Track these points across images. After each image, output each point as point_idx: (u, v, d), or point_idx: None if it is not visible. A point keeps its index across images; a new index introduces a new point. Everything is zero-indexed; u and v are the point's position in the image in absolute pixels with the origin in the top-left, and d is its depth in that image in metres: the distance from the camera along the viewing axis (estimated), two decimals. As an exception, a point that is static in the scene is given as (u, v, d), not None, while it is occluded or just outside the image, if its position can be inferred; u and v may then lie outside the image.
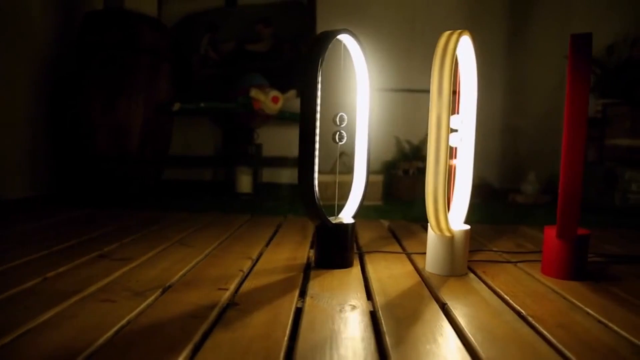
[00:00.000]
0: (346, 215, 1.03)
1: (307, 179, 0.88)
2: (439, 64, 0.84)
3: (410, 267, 1.00)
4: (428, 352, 0.60)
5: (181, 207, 1.79)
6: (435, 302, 0.78)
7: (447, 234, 0.92)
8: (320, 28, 2.40)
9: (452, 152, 0.99)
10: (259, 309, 0.73)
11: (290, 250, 1.12)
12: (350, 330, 0.65)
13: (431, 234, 0.95)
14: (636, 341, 0.65)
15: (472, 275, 0.95)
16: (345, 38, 0.98)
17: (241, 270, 0.94)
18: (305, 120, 0.87)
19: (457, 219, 1.00)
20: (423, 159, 2.33)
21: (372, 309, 0.75)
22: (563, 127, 0.85)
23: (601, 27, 2.22)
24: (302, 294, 0.81)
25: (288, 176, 2.19)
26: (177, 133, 2.18)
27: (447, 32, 0.87)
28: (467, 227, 0.96)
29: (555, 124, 2.57)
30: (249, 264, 1.00)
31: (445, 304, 0.78)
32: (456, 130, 0.96)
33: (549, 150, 2.45)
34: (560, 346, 0.62)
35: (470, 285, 0.88)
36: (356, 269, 0.97)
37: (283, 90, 2.03)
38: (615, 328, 0.69)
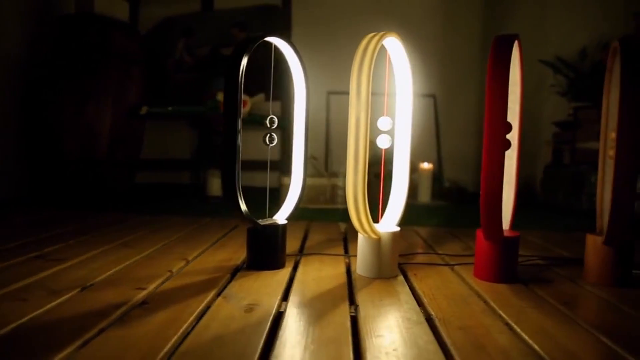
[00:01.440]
0: (280, 217, 1.03)
1: (230, 182, 0.89)
2: (358, 65, 0.84)
3: (343, 270, 1.00)
4: (312, 352, 0.60)
5: (145, 210, 1.80)
6: (347, 304, 0.78)
7: (373, 235, 0.91)
8: (296, 32, 2.41)
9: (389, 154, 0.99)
10: (165, 308, 0.73)
11: (230, 252, 1.13)
12: (245, 330, 0.65)
13: (360, 236, 0.95)
14: (534, 344, 0.64)
15: (401, 277, 0.95)
16: (277, 41, 0.98)
17: (170, 271, 0.95)
18: (227, 124, 0.88)
19: (389, 221, 1.00)
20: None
21: (282, 310, 0.76)
22: (484, 130, 0.85)
23: (575, 31, 2.21)
24: (219, 295, 0.81)
25: (261, 179, 2.18)
26: (154, 137, 2.20)
27: (370, 35, 0.88)
28: (397, 229, 0.96)
29: (531, 127, 2.56)
30: (181, 264, 1.00)
31: (357, 305, 0.78)
32: (386, 132, 0.95)
33: (524, 153, 2.45)
34: (451, 348, 0.62)
35: (392, 287, 0.88)
36: (285, 271, 0.97)
37: (253, 93, 2.05)
38: (519, 331, 0.68)
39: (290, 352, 0.60)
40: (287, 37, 0.99)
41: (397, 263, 0.97)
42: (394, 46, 0.96)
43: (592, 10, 2.22)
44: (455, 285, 0.91)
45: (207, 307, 0.75)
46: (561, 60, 2.11)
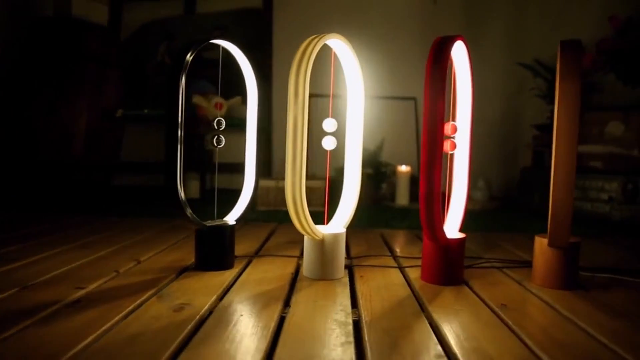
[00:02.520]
0: (230, 219, 1.04)
1: (173, 184, 0.89)
2: (295, 67, 0.85)
3: (291, 271, 1.00)
4: (220, 351, 0.60)
5: (119, 212, 1.81)
6: (278, 304, 0.78)
7: (315, 236, 0.92)
8: (277, 35, 2.42)
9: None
10: (95, 307, 0.74)
11: (185, 253, 1.13)
12: (166, 329, 0.65)
13: (306, 237, 0.95)
14: (453, 346, 0.64)
15: (346, 279, 0.95)
16: (224, 44, 0.99)
17: (116, 271, 0.95)
18: (169, 127, 0.89)
19: (337, 224, 1.00)
20: (379, 164, 2.33)
21: (212, 310, 0.76)
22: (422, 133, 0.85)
23: (554, 34, 2.20)
24: (156, 295, 0.82)
25: (239, 181, 2.19)
26: (134, 140, 2.21)
27: (311, 37, 0.88)
28: (342, 231, 0.96)
29: (511, 129, 2.55)
30: (130, 265, 1.01)
31: (288, 306, 0.78)
32: (331, 134, 0.96)
33: (504, 157, 2.44)
34: (367, 349, 0.62)
35: (332, 288, 0.88)
36: (232, 272, 0.98)
37: (230, 96, 2.06)
38: (443, 332, 0.68)
39: (203, 351, 0.60)
40: (236, 40, 1.00)
41: (344, 265, 0.97)
42: (340, 48, 0.96)
43: (570, 14, 2.22)
44: (397, 287, 0.91)
45: (138, 307, 0.75)
46: (540, 63, 2.11)
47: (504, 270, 1.06)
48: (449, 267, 0.91)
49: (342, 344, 0.63)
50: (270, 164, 2.40)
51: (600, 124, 1.86)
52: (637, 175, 1.72)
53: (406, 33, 2.35)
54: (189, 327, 0.67)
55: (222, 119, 0.98)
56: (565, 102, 0.83)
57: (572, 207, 0.84)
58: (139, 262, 1.04)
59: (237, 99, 2.09)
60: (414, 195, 2.17)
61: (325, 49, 0.94)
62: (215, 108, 1.94)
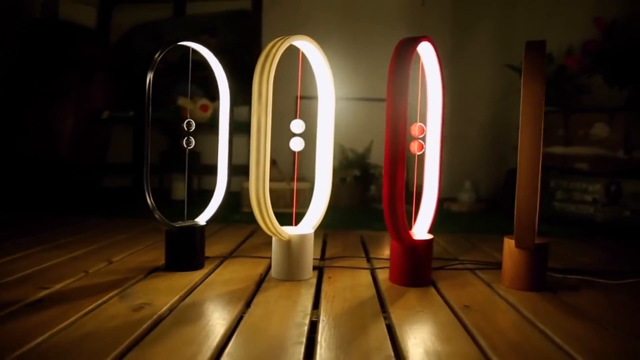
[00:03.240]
0: (201, 219, 1.04)
1: (141, 186, 0.90)
2: (259, 69, 0.85)
3: (259, 272, 1.00)
4: (170, 350, 0.60)
5: (103, 213, 1.81)
6: (239, 304, 0.79)
7: (280, 237, 0.92)
8: (266, 37, 2.43)
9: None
10: (55, 307, 0.74)
11: (158, 254, 1.13)
12: (119, 329, 0.66)
13: (274, 238, 0.95)
14: (406, 348, 0.64)
15: (313, 280, 0.95)
16: (194, 46, 0.99)
17: (85, 272, 0.96)
18: (136, 129, 0.89)
19: (307, 225, 1.00)
20: (366, 166, 2.33)
21: (172, 309, 0.76)
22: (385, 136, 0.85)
23: (541, 36, 2.19)
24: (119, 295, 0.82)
25: (240, 184, 2.20)
26: (123, 141, 2.21)
27: (276, 39, 0.89)
28: (310, 231, 0.96)
29: (500, 131, 2.54)
30: (101, 265, 1.01)
31: (249, 306, 0.78)
32: (299, 135, 0.96)
33: (492, 158, 2.43)
34: (317, 347, 0.62)
35: (297, 289, 0.88)
36: (201, 272, 0.98)
37: (216, 98, 2.05)
38: (396, 333, 0.68)
39: (153, 349, 0.60)
40: (205, 42, 1.00)
41: (312, 266, 0.97)
42: (309, 49, 0.96)
43: (558, 16, 2.21)
44: (363, 288, 0.91)
45: (98, 307, 0.75)
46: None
47: (476, 271, 1.06)
48: (416, 268, 0.91)
49: (294, 344, 0.63)
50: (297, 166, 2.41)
51: (586, 125, 1.86)
52: (620, 177, 1.71)
53: (395, 35, 2.35)
54: (144, 326, 0.67)
55: (192, 121, 0.99)
56: (530, 103, 0.83)
57: (536, 208, 0.84)
58: (110, 263, 1.04)
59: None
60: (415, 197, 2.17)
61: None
62: (200, 110, 1.95)
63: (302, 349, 0.62)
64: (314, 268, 1.04)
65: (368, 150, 2.35)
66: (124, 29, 2.44)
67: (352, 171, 2.19)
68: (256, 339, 0.65)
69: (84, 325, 0.67)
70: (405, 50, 0.84)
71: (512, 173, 2.16)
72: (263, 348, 0.62)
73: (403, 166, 0.84)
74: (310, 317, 0.74)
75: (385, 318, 0.75)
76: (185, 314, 0.74)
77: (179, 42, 0.95)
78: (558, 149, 1.91)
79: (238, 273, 0.98)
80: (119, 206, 2.00)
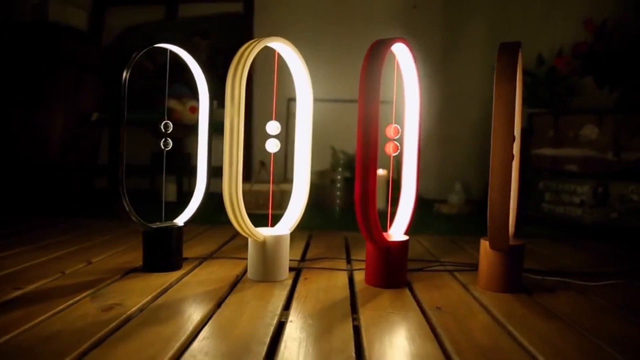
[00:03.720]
0: (180, 220, 1.04)
1: (115, 187, 0.90)
2: (232, 71, 0.85)
3: (235, 273, 1.00)
4: (132, 350, 0.60)
5: (91, 214, 1.81)
6: (210, 305, 0.79)
7: (255, 237, 0.92)
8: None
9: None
10: (26, 307, 0.74)
11: (139, 255, 1.13)
12: (86, 329, 0.66)
13: (250, 240, 0.95)
14: (366, 348, 0.64)
15: (288, 281, 0.95)
16: (172, 48, 1.00)
17: (62, 272, 0.96)
18: (112, 131, 0.90)
19: (283, 226, 1.00)
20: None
21: (143, 309, 0.77)
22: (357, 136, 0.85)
23: (533, 38, 2.20)
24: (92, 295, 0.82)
25: (217, 185, 2.20)
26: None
27: (249, 42, 0.89)
28: (286, 233, 0.96)
29: (490, 133, 2.53)
30: (79, 266, 1.02)
31: (219, 307, 0.79)
32: (274, 137, 0.96)
33: (483, 160, 2.43)
34: (281, 347, 0.63)
35: (271, 290, 0.88)
36: (178, 273, 0.98)
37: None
38: (362, 334, 0.68)
39: (115, 349, 0.60)
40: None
41: (288, 267, 0.97)
42: (285, 51, 0.97)
43: (551, 18, 2.21)
44: (337, 289, 0.91)
45: (68, 307, 0.76)
46: (518, 67, 2.10)
47: (455, 273, 1.06)
48: (390, 269, 0.91)
49: (258, 344, 0.63)
50: (250, 167, 2.42)
51: (576, 127, 1.85)
52: (608, 179, 1.71)
53: (386, 36, 2.36)
54: (111, 326, 0.68)
55: (169, 122, 0.99)
56: (501, 104, 0.83)
57: (508, 209, 0.84)
58: (89, 263, 1.04)
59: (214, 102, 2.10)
60: (393, 199, 2.17)
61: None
62: (189, 112, 1.95)
63: (264, 349, 0.62)
64: (292, 269, 1.04)
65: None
66: (117, 31, 2.46)
67: (343, 173, 2.19)
68: (221, 339, 0.65)
69: (51, 325, 0.68)
70: (378, 52, 0.84)
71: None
72: (226, 348, 0.62)
73: (374, 168, 0.84)
74: (280, 318, 0.74)
75: (354, 319, 0.75)
76: (155, 314, 0.74)
77: (156, 44, 0.96)
78: (548, 151, 1.91)
79: (215, 274, 0.99)
80: (106, 207, 2.00)
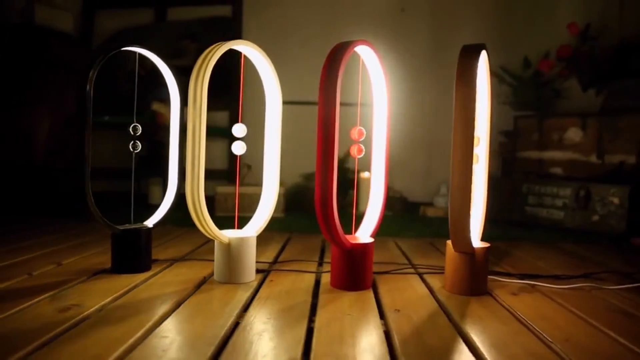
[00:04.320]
0: (149, 222, 1.05)
1: (82, 189, 0.91)
2: (195, 75, 0.86)
3: (203, 274, 1.00)
4: (75, 351, 0.61)
5: (74, 217, 1.80)
6: (166, 306, 0.79)
7: (219, 239, 0.92)
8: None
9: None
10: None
11: (110, 257, 1.14)
12: (38, 329, 0.67)
13: (216, 241, 0.96)
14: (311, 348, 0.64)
15: (254, 283, 0.95)
16: (141, 51, 1.01)
17: (29, 274, 0.97)
18: (79, 134, 0.90)
19: (250, 228, 1.00)
20: (345, 171, 2.33)
21: (101, 310, 0.77)
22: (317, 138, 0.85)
23: (519, 41, 2.21)
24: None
25: (209, 188, 2.20)
26: (105, 146, 2.24)
27: (212, 46, 0.89)
28: (252, 235, 0.96)
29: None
30: (48, 267, 1.02)
31: (177, 308, 0.79)
32: (241, 139, 0.96)
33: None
34: (227, 346, 0.63)
35: (233, 292, 0.88)
36: (145, 275, 0.98)
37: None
38: (313, 335, 0.69)
39: (61, 349, 0.61)
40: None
41: (254, 269, 0.98)
42: (252, 54, 0.97)
43: (537, 22, 2.22)
44: (300, 292, 0.91)
45: (27, 308, 0.76)
46: (504, 70, 2.10)
47: (425, 276, 1.06)
48: (354, 272, 0.91)
49: (205, 345, 0.64)
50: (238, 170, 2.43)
51: (560, 130, 1.85)
52: (592, 182, 1.70)
53: (375, 41, 2.37)
54: (64, 326, 0.68)
55: (138, 125, 1.00)
56: (460, 107, 0.84)
57: (469, 212, 0.84)
58: (59, 265, 1.05)
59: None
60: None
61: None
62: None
63: (211, 349, 0.62)
64: (261, 271, 1.04)
65: (347, 155, 2.36)
66: (107, 34, 2.48)
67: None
68: (170, 340, 0.65)
69: (2, 326, 0.68)
70: (338, 54, 0.84)
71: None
72: (172, 349, 0.62)
73: (333, 170, 0.84)
74: (236, 319, 0.75)
75: (311, 321, 0.75)
76: (111, 314, 0.74)
77: (123, 47, 0.97)
78: (534, 154, 1.90)
79: (182, 276, 0.99)
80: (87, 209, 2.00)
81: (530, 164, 1.91)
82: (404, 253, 1.31)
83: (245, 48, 0.95)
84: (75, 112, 2.07)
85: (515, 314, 0.81)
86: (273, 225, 1.88)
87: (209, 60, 0.86)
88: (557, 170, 1.86)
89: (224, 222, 1.04)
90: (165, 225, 1.54)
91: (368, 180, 2.25)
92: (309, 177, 2.34)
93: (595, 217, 1.64)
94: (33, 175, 1.86)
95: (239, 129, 0.95)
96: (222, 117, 2.41)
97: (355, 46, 0.88)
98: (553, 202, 1.75)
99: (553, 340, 0.70)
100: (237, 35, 2.40)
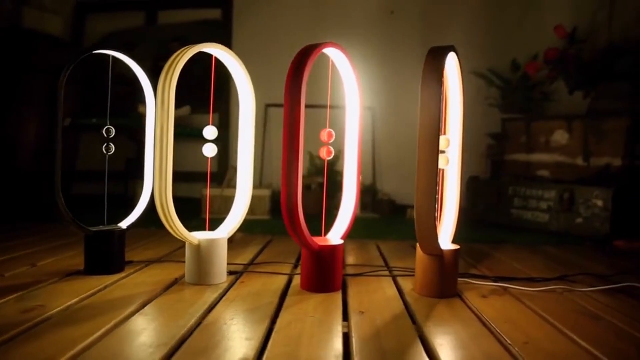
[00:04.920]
0: (124, 224, 1.05)
1: (52, 191, 0.92)
2: (163, 77, 0.87)
3: (174, 276, 1.00)
4: (29, 352, 0.61)
5: (53, 219, 1.79)
6: (131, 307, 0.79)
7: (188, 240, 0.93)
8: (236, 46, 2.46)
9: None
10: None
11: (88, 258, 1.15)
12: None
13: (186, 243, 0.96)
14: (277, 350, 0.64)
15: (225, 284, 0.95)
16: (115, 54, 1.02)
17: (1, 275, 0.97)
18: (49, 136, 0.91)
19: (223, 230, 1.01)
20: (333, 174, 2.33)
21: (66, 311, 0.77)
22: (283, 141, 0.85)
23: (508, 44, 2.21)
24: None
25: (193, 189, 2.22)
26: (94, 149, 2.25)
27: (182, 48, 0.90)
28: (222, 236, 0.97)
29: (466, 139, 2.52)
30: (22, 269, 1.03)
31: (142, 308, 0.79)
32: (212, 141, 0.97)
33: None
34: (184, 347, 0.63)
35: (202, 293, 0.89)
36: (117, 276, 0.99)
37: (179, 106, 2.09)
38: (275, 337, 0.69)
39: (12, 350, 0.61)
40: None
41: (225, 270, 0.98)
42: (223, 57, 0.98)
43: (526, 24, 2.22)
44: (269, 293, 0.91)
45: (-8, 308, 0.77)
46: (493, 72, 2.11)
47: (398, 278, 1.06)
48: (321, 274, 0.91)
49: (159, 346, 0.64)
50: (225, 173, 2.44)
51: (547, 132, 1.85)
52: (578, 184, 1.70)
53: (364, 43, 2.38)
54: (23, 327, 0.68)
55: (112, 127, 1.01)
56: (426, 108, 0.84)
57: (434, 213, 0.84)
58: (33, 266, 1.06)
59: (186, 108, 2.13)
60: (368, 204, 2.18)
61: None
62: (161, 117, 1.97)
63: (165, 350, 0.63)
64: (234, 272, 1.05)
65: (336, 157, 2.36)
66: (97, 37, 2.50)
67: (317, 178, 2.20)
68: (126, 341, 0.66)
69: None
70: (304, 57, 0.85)
71: (472, 181, 2.15)
72: (128, 349, 0.63)
73: (298, 172, 0.84)
74: (198, 320, 0.75)
75: (273, 322, 0.75)
76: (75, 315, 0.75)
77: (94, 51, 0.97)
78: (521, 156, 1.90)
79: (154, 277, 0.99)
80: (84, 213, 2.01)
81: (518, 167, 1.91)
82: (382, 255, 1.31)
83: (217, 51, 0.96)
84: (64, 116, 2.09)
85: (481, 316, 0.81)
86: (257, 227, 1.90)
87: (177, 63, 0.87)
88: (545, 173, 1.85)
89: (210, 224, 1.04)
90: (150, 228, 1.56)
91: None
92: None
93: (579, 220, 1.63)
94: (18, 179, 1.86)
95: (209, 131, 0.95)
96: (214, 119, 2.42)
97: (322, 49, 0.88)
98: (538, 204, 1.75)
99: (512, 342, 0.70)
100: (227, 39, 2.42)
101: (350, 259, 1.26)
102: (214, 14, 2.48)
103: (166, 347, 0.63)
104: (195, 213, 2.02)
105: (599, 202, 1.56)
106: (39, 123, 1.87)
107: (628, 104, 1.71)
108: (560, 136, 1.81)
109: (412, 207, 2.37)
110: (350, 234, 1.70)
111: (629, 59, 1.75)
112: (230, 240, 1.48)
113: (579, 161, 1.76)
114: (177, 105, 2.23)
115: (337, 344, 0.67)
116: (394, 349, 0.66)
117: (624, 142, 1.65)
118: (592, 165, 1.73)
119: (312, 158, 2.36)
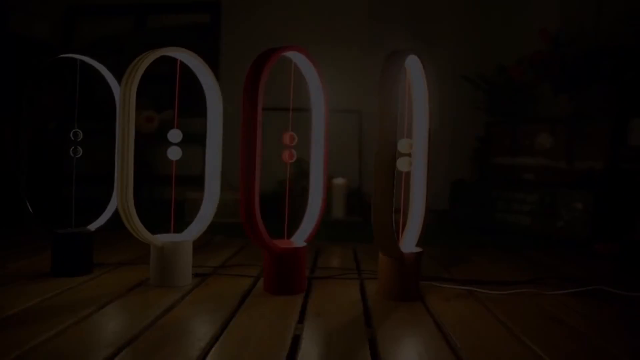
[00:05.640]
0: (92, 226, 1.06)
1: (20, 195, 0.93)
2: (124, 81, 0.88)
3: (141, 278, 1.01)
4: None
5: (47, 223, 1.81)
6: (89, 308, 0.80)
7: (151, 243, 0.93)
8: (225, 50, 2.48)
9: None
10: None
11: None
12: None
13: (151, 245, 0.96)
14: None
15: (189, 287, 0.96)
16: (83, 58, 1.03)
17: (-26, 276, 0.99)
18: (14, 134, 0.92)
19: (188, 233, 1.01)
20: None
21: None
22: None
23: (495, 48, 2.21)
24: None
25: (178, 193, 2.21)
26: (91, 152, 2.27)
27: (145, 52, 0.91)
28: (187, 239, 0.97)
29: (454, 143, 2.51)
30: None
31: (103, 308, 0.80)
32: (176, 144, 0.97)
33: (446, 170, 2.42)
34: (129, 349, 0.64)
35: (165, 295, 0.89)
36: (83, 278, 0.99)
37: (162, 109, 2.10)
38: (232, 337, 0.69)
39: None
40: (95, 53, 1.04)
41: (190, 273, 0.98)
42: (189, 60, 0.99)
43: (513, 27, 2.22)
44: (229, 295, 0.91)
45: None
46: (479, 76, 2.10)
47: (365, 281, 1.06)
48: (284, 276, 0.92)
49: (106, 346, 0.64)
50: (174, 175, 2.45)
51: (531, 135, 1.85)
52: (561, 188, 1.69)
53: (351, 46, 2.39)
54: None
55: (79, 131, 1.02)
56: (383, 111, 0.84)
57: (391, 215, 0.84)
58: (2, 268, 1.07)
59: (170, 112, 2.14)
60: (350, 207, 2.18)
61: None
62: (145, 121, 1.98)
63: (109, 351, 0.63)
64: (201, 275, 1.05)
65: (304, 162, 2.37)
66: (87, 41, 2.52)
67: (302, 182, 2.20)
68: (73, 342, 0.66)
69: None
70: (262, 60, 0.85)
71: (457, 184, 2.15)
72: (73, 350, 0.63)
73: (255, 175, 0.85)
74: (151, 322, 0.75)
75: (226, 324, 0.75)
76: (28, 317, 0.75)
77: (62, 55, 0.99)
78: (505, 160, 1.90)
79: (121, 279, 1.00)
80: (73, 216, 2.02)
81: (503, 170, 1.91)
82: (356, 258, 1.31)
83: (182, 55, 0.96)
84: (51, 120, 2.11)
85: (437, 319, 0.81)
86: (238, 230, 1.90)
87: (138, 67, 0.87)
88: (529, 176, 1.85)
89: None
90: (124, 231, 1.56)
91: (342, 186, 2.26)
92: (281, 184, 2.35)
93: (561, 223, 1.63)
94: (8, 183, 1.88)
95: (174, 135, 0.96)
96: (201, 123, 2.43)
97: (282, 52, 0.89)
98: (520, 208, 1.74)
99: (462, 346, 0.69)
100: (216, 42, 2.44)
101: (321, 262, 1.26)
102: (203, 17, 2.50)
103: (110, 349, 0.64)
104: (179, 216, 2.03)
105: (580, 206, 1.56)
106: (23, 126, 1.88)
107: (612, 106, 1.70)
108: (544, 139, 1.81)
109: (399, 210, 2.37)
110: (334, 237, 1.69)
111: (613, 61, 1.74)
112: (208, 243, 1.50)
113: (563, 164, 1.76)
114: (163, 109, 2.24)
115: (285, 347, 0.67)
116: (341, 352, 0.66)
117: (607, 145, 1.65)
118: (575, 168, 1.72)
119: (300, 161, 2.37)
